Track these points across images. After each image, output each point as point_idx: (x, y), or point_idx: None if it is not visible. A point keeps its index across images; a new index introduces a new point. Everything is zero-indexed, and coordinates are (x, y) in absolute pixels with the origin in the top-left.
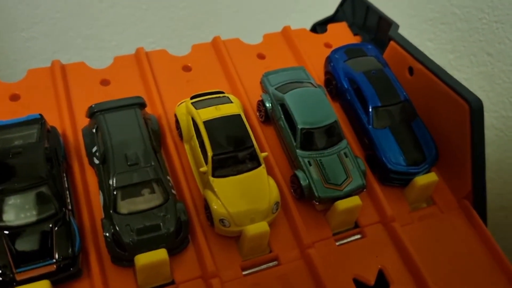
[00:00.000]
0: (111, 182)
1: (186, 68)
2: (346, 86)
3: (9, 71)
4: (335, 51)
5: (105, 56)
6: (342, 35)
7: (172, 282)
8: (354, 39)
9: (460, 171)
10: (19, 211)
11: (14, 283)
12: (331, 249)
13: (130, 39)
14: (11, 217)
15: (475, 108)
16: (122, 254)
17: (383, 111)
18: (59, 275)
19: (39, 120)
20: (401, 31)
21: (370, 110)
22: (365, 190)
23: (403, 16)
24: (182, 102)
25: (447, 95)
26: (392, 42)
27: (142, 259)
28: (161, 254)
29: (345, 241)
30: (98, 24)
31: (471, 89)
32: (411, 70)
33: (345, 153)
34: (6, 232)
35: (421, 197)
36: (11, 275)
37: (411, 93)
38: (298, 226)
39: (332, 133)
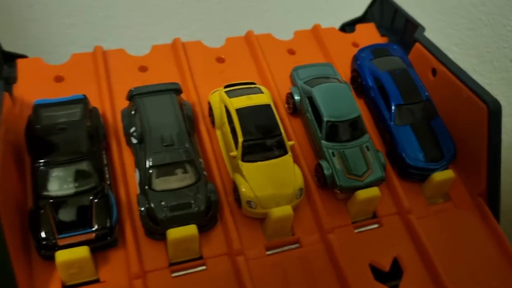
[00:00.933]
0: (147, 161)
1: (220, 60)
2: (370, 84)
3: (50, 56)
4: (362, 50)
5: (140, 46)
6: (369, 35)
7: (200, 257)
8: (381, 40)
9: (476, 169)
10: (62, 182)
11: (56, 248)
12: (350, 236)
13: (165, 31)
14: (55, 187)
15: (493, 110)
16: (155, 228)
17: (405, 109)
18: (97, 243)
19: (83, 100)
20: (428, 34)
21: (393, 107)
22: (384, 182)
23: (431, 20)
24: (215, 91)
25: (467, 96)
26: (417, 44)
27: (174, 233)
28: (191, 229)
29: (363, 229)
30: (135, 15)
31: (493, 94)
32: (434, 72)
33: (367, 147)
34: (50, 201)
35: (437, 192)
36: (54, 241)
37: (433, 93)
38: (320, 212)
39: (355, 127)
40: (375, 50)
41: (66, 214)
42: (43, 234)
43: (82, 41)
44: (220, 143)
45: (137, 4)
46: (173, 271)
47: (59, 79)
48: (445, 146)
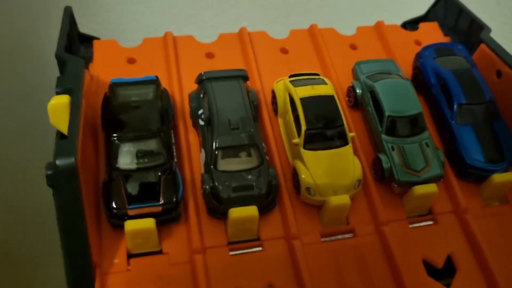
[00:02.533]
0: (214, 142)
1: (284, 51)
2: (433, 82)
3: (118, 40)
4: (426, 48)
5: (201, 35)
6: (432, 34)
7: (258, 239)
8: (444, 39)
9: None
10: (134, 157)
11: (125, 217)
12: (404, 230)
13: (227, 22)
14: (128, 161)
15: None
16: (217, 207)
17: (467, 108)
18: (163, 216)
19: (155, 81)
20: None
21: (455, 106)
22: (442, 179)
23: (494, 23)
24: (280, 80)
25: None
26: (482, 45)
27: (235, 212)
28: (252, 210)
29: (417, 224)
30: (199, 5)
31: None
32: (499, 73)
33: (426, 143)
34: (123, 173)
35: (495, 194)
36: (124, 211)
37: (497, 95)
38: (376, 205)
39: (416, 123)
40: (439, 49)
41: (136, 187)
42: (114, 204)
43: (147, 28)
44: (282, 131)
45: None
46: (231, 250)
47: (131, 60)
48: (506, 149)
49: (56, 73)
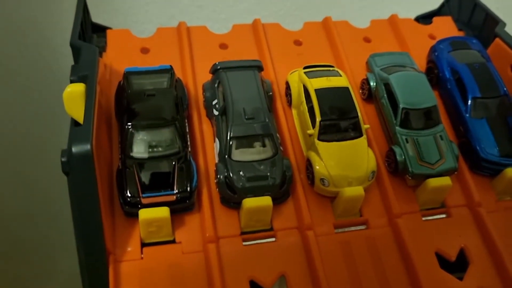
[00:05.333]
0: (228, 132)
1: (297, 43)
2: (447, 76)
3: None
4: (440, 41)
5: (214, 27)
6: (446, 28)
7: (271, 229)
8: (458, 34)
9: None
10: (148, 145)
11: (139, 206)
12: (417, 223)
13: (238, 14)
14: (142, 149)
15: None
16: (231, 196)
17: (481, 102)
18: (176, 205)
19: (170, 70)
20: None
21: (470, 100)
22: (456, 173)
23: (508, 19)
24: (294, 71)
25: None
26: (497, 39)
27: (249, 202)
28: (266, 200)
29: (430, 217)
30: None
31: None
32: None
33: (440, 136)
34: (137, 162)
35: (509, 188)
36: (138, 199)
37: None
38: (389, 197)
39: (430, 116)
40: (454, 43)
41: (150, 176)
42: (128, 192)
43: (159, 19)
44: (296, 122)
45: None
46: (244, 240)
47: (145, 50)
48: None
49: (68, 64)
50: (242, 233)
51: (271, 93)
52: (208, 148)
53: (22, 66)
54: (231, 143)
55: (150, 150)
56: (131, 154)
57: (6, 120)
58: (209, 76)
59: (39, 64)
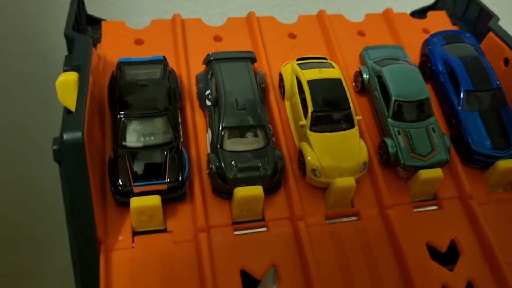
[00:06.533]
0: (220, 122)
1: (292, 36)
2: (440, 69)
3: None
4: (434, 35)
5: (209, 21)
6: (441, 23)
7: (262, 219)
8: (452, 28)
9: None
10: (141, 135)
11: (131, 194)
12: (408, 214)
13: (234, 9)
14: (134, 139)
15: None
16: (223, 186)
17: (474, 95)
18: (168, 194)
19: (163, 61)
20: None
21: (462, 93)
22: (447, 165)
23: (504, 15)
24: (287, 63)
25: None
26: (490, 33)
27: (241, 192)
28: (257, 190)
29: (422, 209)
30: None
31: None
32: (506, 61)
33: (432, 128)
34: (129, 151)
35: (500, 180)
36: (130, 188)
37: (504, 82)
38: (381, 188)
39: (422, 109)
40: (447, 36)
41: (142, 165)
42: (120, 181)
43: (154, 13)
44: (289, 114)
45: None
46: (235, 230)
47: (139, 42)
48: None
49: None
50: (234, 223)
51: (264, 85)
52: (201, 139)
53: (19, 58)
54: (223, 133)
55: (142, 139)
56: (123, 143)
57: (1, 112)
58: (202, 68)
59: (35, 56)
